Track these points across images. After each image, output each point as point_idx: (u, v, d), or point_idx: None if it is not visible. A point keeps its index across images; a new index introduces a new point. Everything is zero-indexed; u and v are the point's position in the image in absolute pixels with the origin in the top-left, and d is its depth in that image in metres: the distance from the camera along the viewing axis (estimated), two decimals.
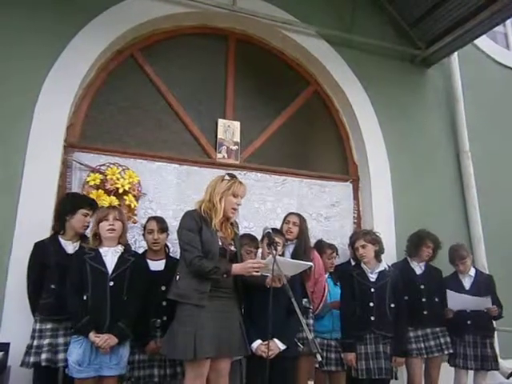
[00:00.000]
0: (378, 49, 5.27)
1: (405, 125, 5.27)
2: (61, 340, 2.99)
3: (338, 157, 5.21)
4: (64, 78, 3.95)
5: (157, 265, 3.37)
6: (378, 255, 3.64)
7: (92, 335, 2.80)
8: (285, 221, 3.91)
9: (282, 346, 3.05)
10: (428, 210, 5.00)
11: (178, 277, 2.84)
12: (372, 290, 3.53)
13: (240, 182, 3.00)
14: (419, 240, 4.17)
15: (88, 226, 3.22)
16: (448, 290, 3.96)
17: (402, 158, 5.10)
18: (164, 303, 3.08)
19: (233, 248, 2.97)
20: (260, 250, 3.60)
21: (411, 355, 3.86)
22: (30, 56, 3.90)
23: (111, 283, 2.92)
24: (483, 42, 6.08)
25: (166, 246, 3.51)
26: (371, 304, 3.49)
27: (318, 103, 5.24)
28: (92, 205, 3.29)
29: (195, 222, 2.86)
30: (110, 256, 3.00)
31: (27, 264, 3.16)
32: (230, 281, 2.86)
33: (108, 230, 3.02)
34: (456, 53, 5.60)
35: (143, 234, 3.53)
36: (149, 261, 3.38)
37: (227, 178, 2.99)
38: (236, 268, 2.80)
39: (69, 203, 3.30)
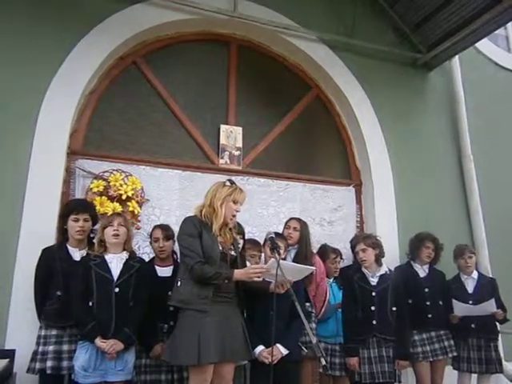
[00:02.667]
0: (379, 53, 5.28)
1: (407, 128, 5.28)
2: (65, 347, 3.00)
3: (340, 161, 5.21)
4: (67, 85, 3.97)
5: (165, 271, 3.41)
6: (378, 259, 3.64)
7: (98, 341, 2.83)
8: (285, 226, 3.92)
9: (285, 351, 3.05)
10: (431, 213, 5.00)
11: (179, 283, 2.85)
12: (373, 293, 3.53)
13: (240, 189, 3.01)
14: (418, 241, 4.21)
15: (85, 231, 3.22)
16: (454, 300, 3.96)
17: (404, 161, 5.10)
18: (171, 308, 3.08)
19: (233, 253, 2.98)
20: (263, 255, 3.61)
21: (418, 359, 3.87)
22: (33, 63, 3.92)
23: (116, 289, 2.95)
24: (484, 44, 6.08)
25: (174, 252, 3.52)
26: (373, 308, 3.49)
27: (319, 108, 5.24)
28: (77, 209, 3.25)
29: (195, 228, 2.86)
30: (116, 263, 3.03)
31: (35, 270, 3.18)
32: (231, 285, 2.87)
33: (112, 235, 3.05)
34: (457, 56, 5.59)
35: (150, 242, 3.57)
36: (157, 267, 3.42)
37: (228, 184, 3.00)
38: (238, 273, 2.81)
39: (62, 212, 3.38)
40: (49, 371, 2.90)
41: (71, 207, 3.31)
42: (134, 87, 4.51)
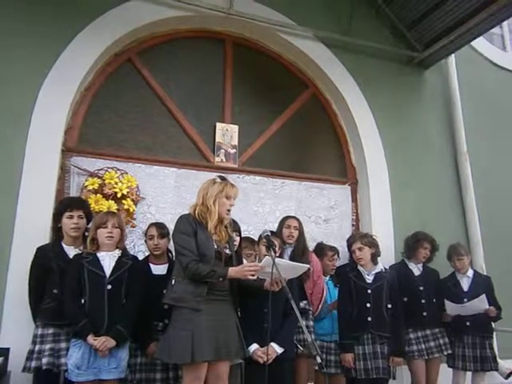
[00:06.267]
0: (376, 51, 5.28)
1: (402, 127, 5.28)
2: (63, 345, 2.97)
3: (336, 159, 5.21)
4: (62, 82, 3.95)
5: (159, 269, 3.40)
6: (374, 258, 3.65)
7: (90, 338, 2.81)
8: (284, 225, 3.89)
9: (280, 350, 3.05)
10: (426, 211, 5.01)
11: (173, 281, 2.84)
12: (369, 291, 3.54)
13: (232, 184, 3.00)
14: (415, 241, 4.20)
15: (79, 228, 3.20)
16: (446, 301, 3.98)
17: (399, 159, 5.11)
18: (166, 306, 3.05)
19: (228, 251, 2.96)
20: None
21: (413, 357, 3.89)
22: (28, 60, 3.90)
23: (109, 286, 2.93)
24: (480, 43, 6.11)
25: (169, 250, 3.51)
26: (368, 305, 3.51)
27: (315, 106, 5.24)
28: (71, 206, 3.24)
29: (190, 226, 2.85)
30: (108, 260, 3.02)
31: (29, 268, 3.15)
32: (225, 283, 2.86)
33: (106, 237, 3.03)
34: (453, 54, 5.62)
35: (145, 240, 3.57)
36: (151, 265, 3.41)
37: (218, 180, 2.99)
38: (232, 271, 2.79)
39: (55, 210, 3.36)
40: (45, 367, 2.87)
41: (65, 204, 3.29)
42: (130, 84, 4.49)
